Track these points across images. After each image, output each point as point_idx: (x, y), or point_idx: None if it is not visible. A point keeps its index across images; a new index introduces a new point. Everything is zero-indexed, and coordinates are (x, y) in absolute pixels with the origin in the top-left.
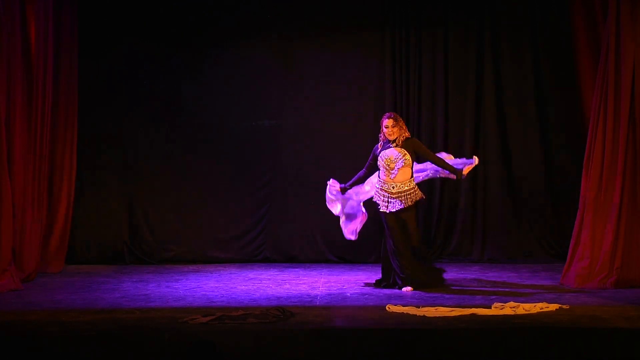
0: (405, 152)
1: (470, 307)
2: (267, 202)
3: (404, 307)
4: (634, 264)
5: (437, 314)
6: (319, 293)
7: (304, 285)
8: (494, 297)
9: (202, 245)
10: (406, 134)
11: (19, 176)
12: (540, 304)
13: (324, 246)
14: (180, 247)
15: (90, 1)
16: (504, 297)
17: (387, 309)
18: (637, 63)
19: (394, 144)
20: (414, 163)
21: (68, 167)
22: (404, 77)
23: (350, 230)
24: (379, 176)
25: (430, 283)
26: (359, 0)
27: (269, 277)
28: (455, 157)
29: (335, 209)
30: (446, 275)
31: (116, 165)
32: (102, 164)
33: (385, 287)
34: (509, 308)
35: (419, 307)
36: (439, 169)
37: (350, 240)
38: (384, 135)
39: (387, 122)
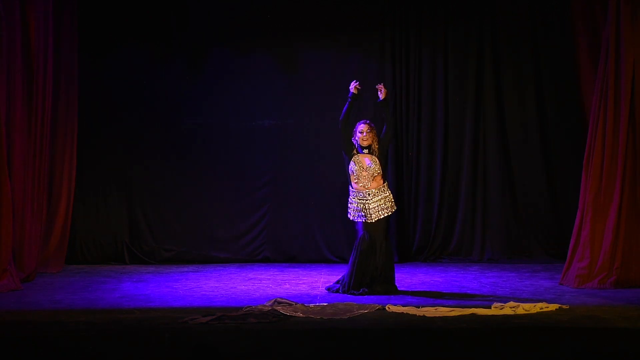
0: (377, 159)
1: (470, 307)
2: (267, 202)
3: (404, 307)
4: (634, 264)
5: (437, 314)
6: (319, 293)
7: (304, 285)
8: (493, 297)
9: (202, 246)
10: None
11: (19, 176)
12: (540, 304)
13: (324, 246)
14: (180, 247)
15: (90, 1)
16: (504, 297)
17: (387, 309)
18: (637, 64)
19: (366, 151)
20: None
21: (68, 167)
22: (404, 77)
23: None
24: (351, 186)
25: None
26: (359, 1)
27: (269, 277)
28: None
29: None
30: None
31: (116, 165)
32: (102, 164)
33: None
34: (509, 308)
35: (419, 307)
36: None
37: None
38: (357, 140)
39: (362, 127)
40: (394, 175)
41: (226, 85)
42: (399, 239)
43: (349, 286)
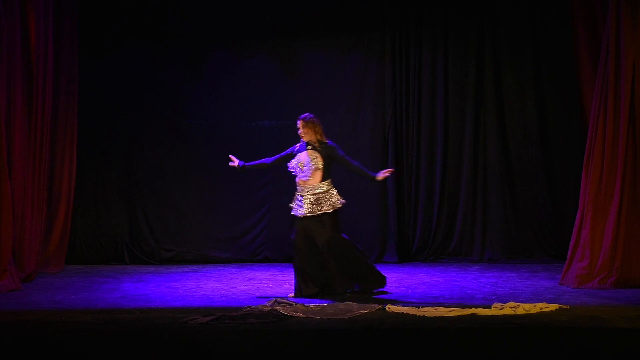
0: (317, 155)
1: (470, 307)
2: (267, 202)
3: (404, 307)
4: (634, 264)
5: (437, 314)
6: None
7: None
8: (493, 297)
9: (202, 245)
10: (322, 138)
11: (19, 176)
12: (540, 304)
13: None
14: (180, 247)
15: (90, 1)
16: (504, 297)
17: (387, 309)
18: (637, 63)
19: (309, 147)
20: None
21: (68, 167)
22: (403, 77)
23: None
24: (296, 180)
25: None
26: (360, 1)
27: (269, 277)
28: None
29: None
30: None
31: (116, 165)
32: (102, 164)
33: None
34: (509, 308)
35: (419, 307)
36: None
37: None
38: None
39: (298, 123)
40: (394, 175)
41: (226, 85)
42: (399, 239)
43: (296, 291)
